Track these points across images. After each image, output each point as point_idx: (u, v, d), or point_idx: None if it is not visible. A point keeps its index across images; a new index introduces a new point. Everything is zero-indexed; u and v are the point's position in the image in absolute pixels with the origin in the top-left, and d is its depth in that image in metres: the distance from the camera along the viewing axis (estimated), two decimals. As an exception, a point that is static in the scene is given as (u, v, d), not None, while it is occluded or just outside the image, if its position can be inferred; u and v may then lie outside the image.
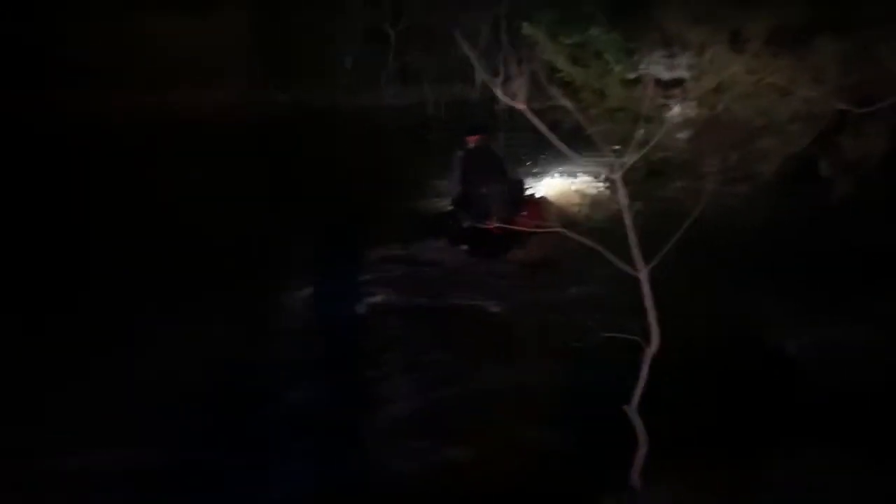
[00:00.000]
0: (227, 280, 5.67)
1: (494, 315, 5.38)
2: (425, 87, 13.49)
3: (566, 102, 3.27)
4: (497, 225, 6.51)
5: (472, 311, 5.48)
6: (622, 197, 2.92)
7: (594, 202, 7.42)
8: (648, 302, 3.02)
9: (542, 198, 7.60)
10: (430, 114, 13.33)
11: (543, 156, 8.89)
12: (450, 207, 7.21)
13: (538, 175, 8.61)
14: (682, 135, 3.41)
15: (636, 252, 2.95)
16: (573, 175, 8.48)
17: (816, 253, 4.31)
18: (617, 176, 2.88)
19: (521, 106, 2.79)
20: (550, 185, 8.36)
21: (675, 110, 4.14)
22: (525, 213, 7.04)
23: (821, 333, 3.80)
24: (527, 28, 8.10)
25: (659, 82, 4.32)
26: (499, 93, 2.69)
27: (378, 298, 5.70)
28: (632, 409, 3.16)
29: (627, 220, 2.93)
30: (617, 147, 4.35)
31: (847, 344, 3.68)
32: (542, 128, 2.87)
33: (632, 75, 4.97)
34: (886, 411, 3.41)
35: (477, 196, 6.90)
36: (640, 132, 2.78)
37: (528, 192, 7.48)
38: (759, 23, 3.57)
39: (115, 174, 8.26)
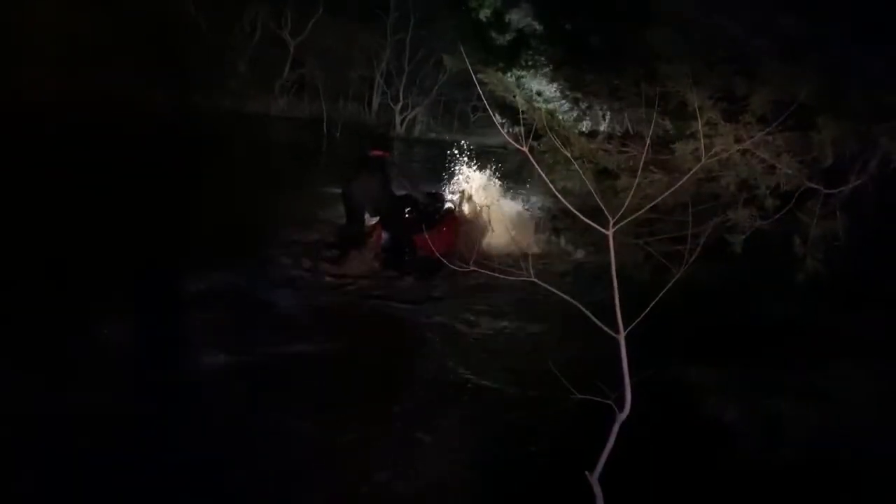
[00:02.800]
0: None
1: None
2: (322, 102, 12.98)
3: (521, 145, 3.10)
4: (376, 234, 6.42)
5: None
6: (611, 254, 2.77)
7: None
8: (625, 366, 2.88)
9: (460, 211, 7.44)
10: (326, 131, 12.81)
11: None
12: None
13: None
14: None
15: (619, 313, 2.81)
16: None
17: (770, 326, 4.46)
18: (609, 232, 2.73)
19: (523, 148, 2.56)
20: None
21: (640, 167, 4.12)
22: (444, 228, 6.88)
23: (763, 405, 3.87)
24: (448, 60, 8.00)
25: (612, 136, 4.31)
26: (505, 136, 2.43)
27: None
28: (594, 478, 2.99)
29: (614, 280, 2.79)
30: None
31: (788, 417, 3.77)
32: (540, 170, 2.65)
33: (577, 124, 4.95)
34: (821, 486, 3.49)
35: (362, 210, 6.71)
36: (633, 186, 2.64)
37: (446, 207, 7.34)
38: (763, 96, 3.66)
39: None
